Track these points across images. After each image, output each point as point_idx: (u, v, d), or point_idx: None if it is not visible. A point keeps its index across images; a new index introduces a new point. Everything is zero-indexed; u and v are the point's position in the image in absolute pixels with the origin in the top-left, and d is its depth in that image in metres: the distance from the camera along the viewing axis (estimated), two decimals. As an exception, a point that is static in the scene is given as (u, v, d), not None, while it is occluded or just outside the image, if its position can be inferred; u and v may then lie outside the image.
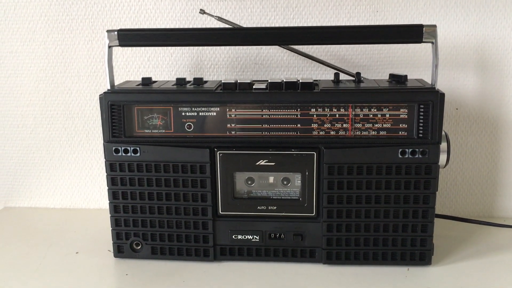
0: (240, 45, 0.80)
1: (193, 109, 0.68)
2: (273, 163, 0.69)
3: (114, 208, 0.72)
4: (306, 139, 0.68)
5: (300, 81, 0.68)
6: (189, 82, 0.73)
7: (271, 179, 0.70)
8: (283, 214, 0.70)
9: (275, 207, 0.70)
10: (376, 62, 0.83)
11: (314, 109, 0.67)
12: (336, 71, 0.79)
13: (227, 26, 0.80)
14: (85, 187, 0.93)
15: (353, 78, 0.73)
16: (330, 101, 0.66)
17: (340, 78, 0.72)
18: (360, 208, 0.68)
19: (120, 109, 0.69)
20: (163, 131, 0.69)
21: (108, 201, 0.71)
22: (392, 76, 0.71)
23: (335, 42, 0.70)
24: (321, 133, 0.67)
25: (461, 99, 0.83)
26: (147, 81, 0.72)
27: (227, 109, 0.68)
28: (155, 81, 0.75)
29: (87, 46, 0.87)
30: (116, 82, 0.72)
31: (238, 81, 0.68)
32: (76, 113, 0.90)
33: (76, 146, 0.91)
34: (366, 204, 0.68)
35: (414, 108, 0.66)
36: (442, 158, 0.67)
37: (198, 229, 0.71)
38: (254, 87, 0.68)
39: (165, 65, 0.86)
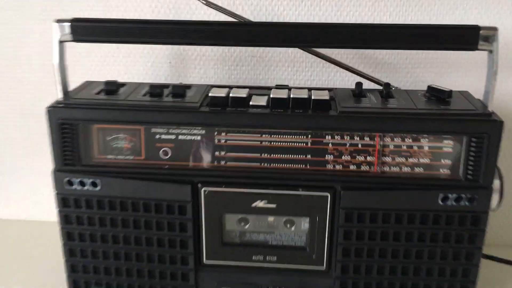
0: (240, 45, 0.62)
1: (170, 130, 0.52)
2: (273, 205, 0.53)
3: (70, 252, 0.56)
4: (318, 175, 0.52)
5: (313, 97, 0.51)
6: (166, 86, 0.56)
7: (270, 220, 0.55)
8: (285, 266, 0.55)
9: (274, 257, 0.55)
10: (405, 60, 0.66)
11: (329, 136, 0.51)
12: (355, 74, 0.62)
13: (220, 15, 0.62)
14: (42, 196, 0.77)
15: (380, 88, 0.57)
16: (351, 128, 0.50)
17: (363, 87, 0.55)
18: (383, 264, 0.53)
19: (75, 129, 0.52)
20: (131, 157, 0.53)
21: (62, 243, 0.56)
22: (431, 89, 0.54)
23: (365, 46, 0.52)
24: (337, 167, 0.51)
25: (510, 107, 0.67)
26: (111, 87, 0.55)
27: (216, 132, 0.51)
28: (122, 84, 0.57)
29: (39, 27, 0.69)
30: (74, 79, 0.55)
31: (231, 95, 0.52)
32: (28, 108, 0.73)
33: (31, 149, 0.74)
34: (392, 259, 0.53)
35: (463, 140, 0.50)
36: (494, 199, 0.52)
37: (177, 280, 0.56)
38: (251, 103, 0.52)
39: (139, 54, 0.68)
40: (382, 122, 0.50)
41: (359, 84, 0.55)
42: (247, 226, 0.55)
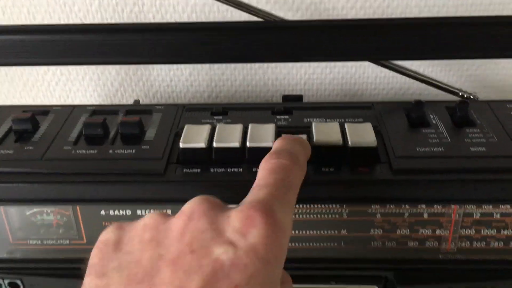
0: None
1: (123, 204, 0.33)
2: (292, 302, 0.35)
3: None
4: (360, 260, 0.33)
5: (350, 143, 0.31)
6: (114, 112, 0.36)
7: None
8: None
9: None
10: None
11: (377, 204, 0.32)
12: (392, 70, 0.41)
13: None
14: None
15: (448, 99, 0.36)
16: (415, 198, 0.31)
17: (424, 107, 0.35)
18: None
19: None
20: (67, 241, 0.34)
21: None
22: (535, 108, 0.34)
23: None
24: (389, 244, 0.33)
25: None
26: (24, 126, 0.35)
27: (195, 204, 0.32)
28: (45, 112, 0.37)
29: None
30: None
31: (215, 145, 0.32)
32: None
33: None
34: None
35: None
36: None
37: None
38: (248, 155, 0.32)
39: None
40: (465, 188, 0.30)
41: (419, 105, 0.35)
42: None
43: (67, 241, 0.34)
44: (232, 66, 0.46)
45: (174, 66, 0.46)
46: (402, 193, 0.31)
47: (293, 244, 0.33)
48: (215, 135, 0.32)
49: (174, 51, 0.32)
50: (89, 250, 0.33)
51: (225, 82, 0.47)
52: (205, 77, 0.47)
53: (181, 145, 0.32)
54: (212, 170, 0.32)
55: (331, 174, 0.31)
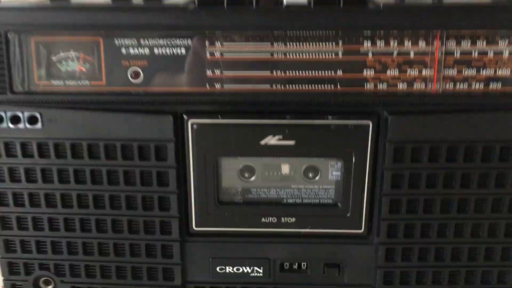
0: None
1: (142, 41, 0.36)
2: (291, 142, 0.38)
3: (2, 222, 0.40)
4: (354, 96, 0.37)
5: (345, -12, 0.36)
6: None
7: (285, 169, 0.40)
8: (307, 230, 0.40)
9: (292, 219, 0.40)
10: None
11: (369, 42, 0.36)
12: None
13: None
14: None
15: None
16: (399, 25, 0.35)
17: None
18: (445, 221, 0.39)
19: (3, 41, 0.36)
20: (87, 82, 0.37)
21: (-10, 209, 0.40)
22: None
23: None
24: (381, 86, 0.37)
25: None
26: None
27: (207, 42, 0.36)
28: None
29: None
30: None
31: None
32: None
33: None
34: (459, 215, 0.38)
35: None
36: None
37: (155, 257, 0.40)
38: (256, -3, 0.37)
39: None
40: (445, 15, 0.35)
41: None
42: (252, 178, 0.40)
43: (88, 82, 0.37)
44: None
45: None
46: (389, 20, 0.35)
47: (291, 86, 0.36)
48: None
49: None
50: (108, 92, 0.37)
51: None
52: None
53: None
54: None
55: (329, 9, 0.35)
